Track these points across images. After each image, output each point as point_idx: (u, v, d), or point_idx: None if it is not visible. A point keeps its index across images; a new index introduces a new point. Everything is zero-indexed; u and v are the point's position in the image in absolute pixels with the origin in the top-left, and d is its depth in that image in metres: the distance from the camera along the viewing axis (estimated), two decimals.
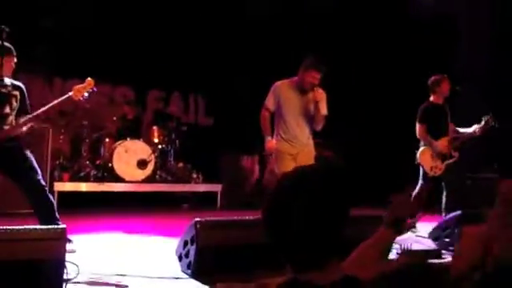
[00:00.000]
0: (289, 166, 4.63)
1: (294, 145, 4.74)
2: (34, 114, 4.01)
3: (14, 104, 3.99)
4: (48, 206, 3.96)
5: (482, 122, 5.36)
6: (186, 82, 8.57)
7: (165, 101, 8.78)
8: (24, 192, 3.98)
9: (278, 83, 4.84)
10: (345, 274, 1.35)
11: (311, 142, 4.86)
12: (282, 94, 4.76)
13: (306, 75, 4.62)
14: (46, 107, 4.02)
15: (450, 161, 5.44)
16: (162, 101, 8.76)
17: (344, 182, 1.39)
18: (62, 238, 2.85)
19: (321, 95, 4.67)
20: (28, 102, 4.12)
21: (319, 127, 4.83)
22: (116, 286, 3.02)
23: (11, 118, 3.96)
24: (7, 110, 3.94)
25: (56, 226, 2.91)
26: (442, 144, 5.43)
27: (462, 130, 5.57)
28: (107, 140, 7.30)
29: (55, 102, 4.02)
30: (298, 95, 4.76)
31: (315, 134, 4.92)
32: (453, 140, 5.48)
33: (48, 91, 7.72)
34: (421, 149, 5.49)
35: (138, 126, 7.57)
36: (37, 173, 3.96)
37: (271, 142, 4.77)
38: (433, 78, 5.60)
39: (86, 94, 4.05)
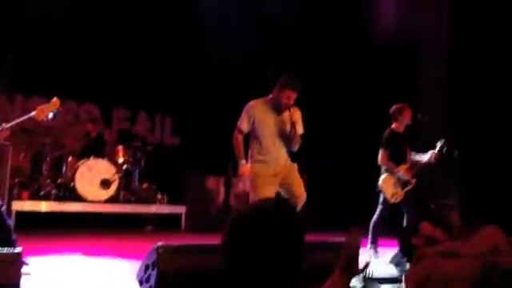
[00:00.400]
0: (267, 188, 4.52)
1: (271, 166, 4.59)
2: None
3: None
4: (5, 228, 3.82)
5: (437, 148, 5.51)
6: (152, 101, 8.52)
7: (131, 120, 8.70)
8: None
9: (252, 103, 4.68)
10: None
11: (289, 162, 4.74)
12: (257, 114, 4.61)
13: (282, 95, 4.51)
14: (7, 125, 3.91)
15: (408, 188, 5.53)
16: (128, 120, 8.67)
17: (297, 219, 1.42)
18: (16, 262, 2.76)
19: (297, 115, 4.59)
20: None
21: (296, 147, 4.71)
22: None
23: None
24: None
25: (11, 250, 2.81)
26: (403, 171, 5.53)
27: (417, 156, 5.69)
28: (70, 159, 7.15)
29: (16, 121, 3.92)
30: (273, 115, 4.62)
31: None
32: (411, 167, 5.59)
33: (9, 108, 7.54)
34: (383, 176, 5.57)
35: (102, 145, 7.45)
36: None
37: (246, 167, 4.60)
38: (395, 106, 5.72)
39: (51, 115, 3.96)
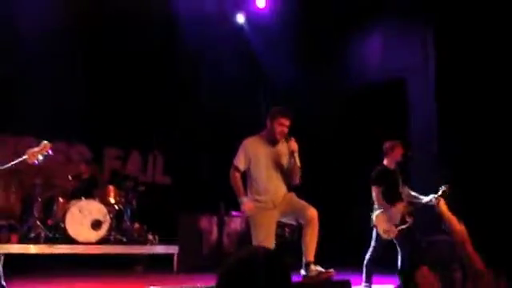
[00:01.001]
0: (268, 226, 4.47)
1: (269, 203, 4.54)
2: None
3: None
4: None
5: (440, 192, 5.50)
6: (144, 140, 8.55)
7: (122, 159, 8.69)
8: None
9: (248, 140, 4.64)
10: None
11: (287, 192, 4.66)
12: (253, 151, 4.57)
13: (275, 124, 4.48)
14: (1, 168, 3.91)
15: (404, 226, 5.51)
16: (120, 159, 8.67)
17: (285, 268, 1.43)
18: None
19: (295, 145, 4.52)
20: None
21: (297, 180, 4.63)
22: None
23: None
24: None
25: None
26: (398, 209, 5.52)
27: (415, 194, 5.71)
28: (61, 200, 7.08)
29: (8, 164, 3.92)
30: (269, 149, 4.58)
31: None
32: (408, 205, 5.59)
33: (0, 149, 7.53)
34: (376, 212, 5.57)
35: (93, 186, 7.41)
36: None
37: (249, 203, 4.51)
38: (387, 143, 5.77)
39: (41, 158, 3.98)
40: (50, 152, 4.00)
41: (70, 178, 7.37)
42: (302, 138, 4.74)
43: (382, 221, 5.50)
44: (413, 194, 5.72)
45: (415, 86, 8.41)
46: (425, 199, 5.56)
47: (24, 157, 3.91)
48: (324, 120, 8.85)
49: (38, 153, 3.93)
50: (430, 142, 7.86)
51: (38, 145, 4.00)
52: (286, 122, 4.52)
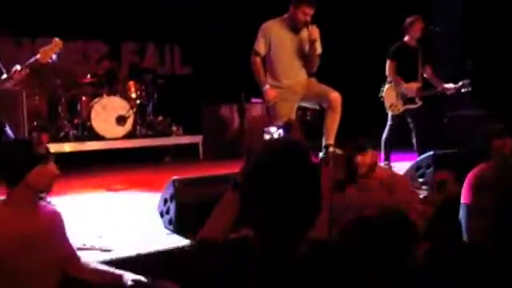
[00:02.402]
0: (290, 113, 4.53)
1: (290, 89, 4.54)
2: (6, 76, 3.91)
3: None
4: None
5: (459, 84, 5.41)
6: (160, 31, 8.39)
7: (139, 53, 8.63)
8: None
9: (268, 24, 4.53)
10: (311, 242, 1.37)
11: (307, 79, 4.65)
12: (273, 35, 4.47)
13: (298, 11, 4.36)
14: (14, 69, 3.92)
15: (412, 106, 5.49)
16: (137, 53, 8.61)
17: (307, 155, 1.40)
18: None
19: (316, 33, 4.42)
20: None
21: (315, 68, 4.63)
22: (100, 250, 3.09)
23: None
24: None
25: None
26: (410, 87, 5.45)
27: (437, 78, 5.59)
28: (84, 98, 7.21)
29: (25, 64, 3.92)
30: (290, 35, 4.49)
31: None
32: (422, 88, 5.52)
33: (17, 53, 7.53)
34: (387, 85, 5.55)
35: (113, 82, 7.46)
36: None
37: (271, 92, 4.52)
38: (408, 19, 5.58)
39: (54, 56, 3.96)
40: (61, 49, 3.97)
41: (88, 76, 7.42)
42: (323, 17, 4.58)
43: (390, 95, 5.50)
44: (435, 76, 5.62)
45: None
46: (443, 85, 5.47)
47: (37, 56, 3.91)
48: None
49: (50, 51, 3.92)
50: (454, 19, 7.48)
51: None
52: (310, 11, 4.38)
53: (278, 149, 1.42)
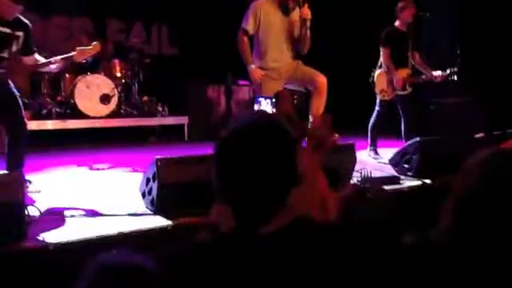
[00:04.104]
0: (276, 89, 4.43)
1: (275, 71, 4.47)
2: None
3: (14, 48, 3.82)
4: (23, 150, 3.93)
5: (447, 71, 5.39)
6: (147, 11, 8.25)
7: (126, 32, 8.48)
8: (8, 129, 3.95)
9: (259, 2, 4.43)
10: (294, 217, 1.33)
11: (295, 61, 4.58)
12: (264, 14, 4.38)
13: None
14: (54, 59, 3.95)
15: (402, 92, 5.48)
16: (123, 32, 8.46)
17: (284, 131, 1.37)
18: (18, 182, 2.82)
19: (308, 12, 4.32)
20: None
21: (306, 50, 4.55)
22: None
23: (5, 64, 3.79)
24: (5, 54, 3.78)
25: (11, 172, 2.87)
26: (399, 75, 5.44)
27: (425, 65, 5.58)
28: (67, 75, 7.07)
29: (59, 57, 3.93)
30: (280, 16, 4.40)
31: None
32: (411, 74, 5.51)
33: None
34: (378, 70, 5.53)
35: (98, 60, 7.33)
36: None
37: (257, 72, 4.46)
38: (399, 3, 5.54)
39: (90, 59, 4.00)
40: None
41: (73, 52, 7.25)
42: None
43: (381, 80, 5.48)
44: (423, 63, 5.61)
45: None
46: (431, 73, 5.46)
47: (72, 53, 3.88)
48: None
49: (88, 53, 3.92)
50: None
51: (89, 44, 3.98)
52: None
53: (252, 119, 1.41)
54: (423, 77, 5.53)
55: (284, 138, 1.35)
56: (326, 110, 4.62)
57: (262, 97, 4.07)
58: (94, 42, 3.98)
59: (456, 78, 5.37)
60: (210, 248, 1.33)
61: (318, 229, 1.35)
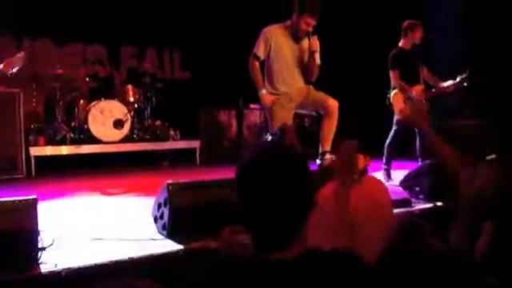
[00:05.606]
0: (286, 119, 4.51)
1: (286, 95, 4.53)
2: None
3: None
4: None
5: (458, 79, 5.39)
6: (160, 36, 8.39)
7: (138, 57, 8.62)
8: None
9: (270, 28, 4.53)
10: (306, 248, 1.39)
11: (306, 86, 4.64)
12: (275, 40, 4.47)
13: (301, 21, 4.37)
14: None
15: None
16: (136, 57, 8.59)
17: (299, 156, 1.44)
18: (31, 208, 2.86)
19: (317, 44, 4.43)
20: None
21: (313, 78, 4.63)
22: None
23: None
24: None
25: (26, 197, 2.90)
26: (416, 90, 5.46)
27: (435, 78, 5.59)
28: (81, 101, 7.19)
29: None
30: (291, 43, 4.49)
31: None
32: (426, 90, 5.51)
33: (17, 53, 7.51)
34: (394, 91, 5.52)
35: (111, 86, 7.45)
36: None
37: (268, 96, 4.52)
38: (407, 22, 5.56)
39: (16, 69, 4.16)
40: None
41: (87, 79, 7.40)
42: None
43: (398, 100, 5.47)
44: (432, 76, 5.63)
45: None
46: (444, 84, 5.46)
47: (0, 65, 4.09)
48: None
49: (14, 64, 4.06)
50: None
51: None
52: (312, 22, 4.41)
53: (263, 149, 1.49)
54: (433, 90, 5.54)
55: (302, 165, 1.43)
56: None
57: (268, 135, 4.11)
58: (20, 53, 4.21)
59: (467, 84, 5.34)
60: (224, 276, 1.35)
61: (329, 257, 1.38)
